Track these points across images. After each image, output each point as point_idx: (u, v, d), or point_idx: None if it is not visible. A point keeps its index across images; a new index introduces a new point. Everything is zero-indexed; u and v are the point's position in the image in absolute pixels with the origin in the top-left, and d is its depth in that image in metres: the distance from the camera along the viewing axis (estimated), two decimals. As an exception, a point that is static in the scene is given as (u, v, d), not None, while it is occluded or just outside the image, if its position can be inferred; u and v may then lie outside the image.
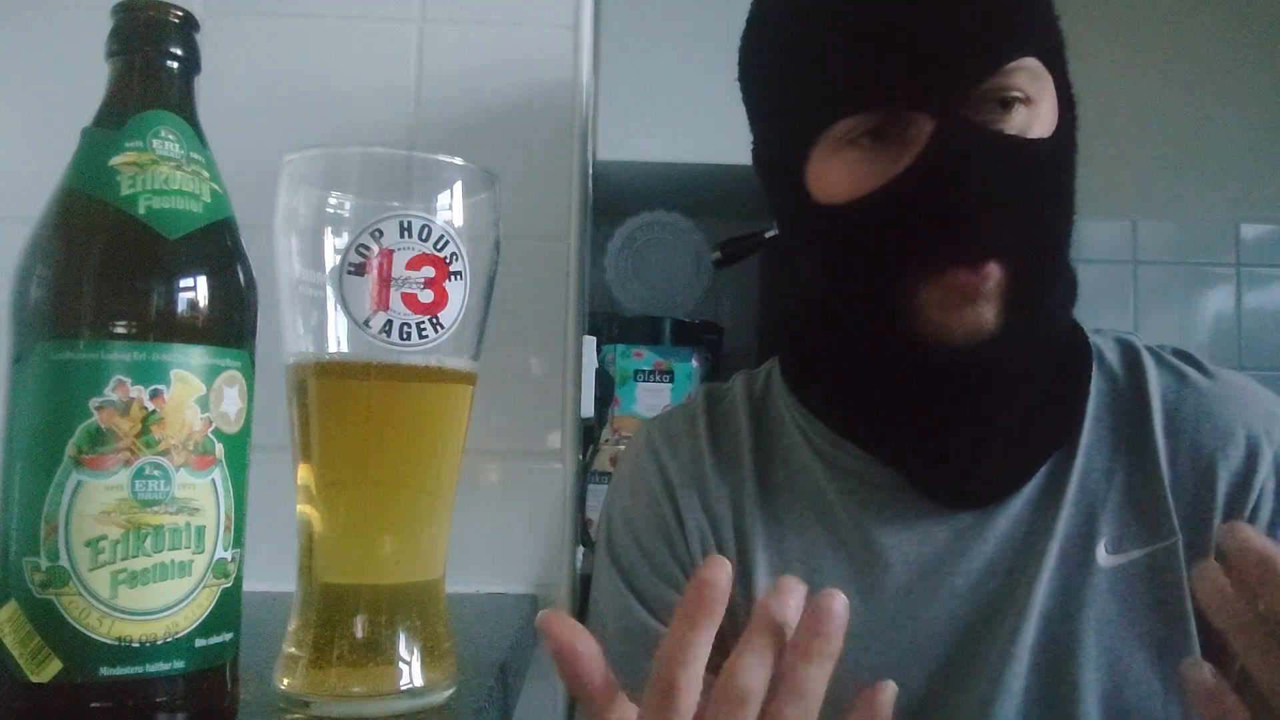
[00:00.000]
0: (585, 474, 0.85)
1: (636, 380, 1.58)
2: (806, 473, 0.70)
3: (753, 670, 0.44)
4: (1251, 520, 0.63)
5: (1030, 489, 0.66)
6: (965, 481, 0.65)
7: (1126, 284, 1.87)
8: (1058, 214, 0.61)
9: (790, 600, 0.45)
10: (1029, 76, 0.58)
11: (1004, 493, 0.65)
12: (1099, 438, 0.67)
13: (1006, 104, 0.58)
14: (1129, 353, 0.70)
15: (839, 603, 0.44)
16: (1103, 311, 1.85)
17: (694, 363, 1.59)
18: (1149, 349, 0.71)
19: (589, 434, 1.23)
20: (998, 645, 0.63)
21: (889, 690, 0.47)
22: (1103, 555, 0.64)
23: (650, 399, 1.57)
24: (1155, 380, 0.68)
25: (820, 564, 0.67)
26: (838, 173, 0.60)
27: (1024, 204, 0.58)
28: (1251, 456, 0.64)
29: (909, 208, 0.57)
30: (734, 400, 0.75)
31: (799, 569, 0.68)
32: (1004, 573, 0.64)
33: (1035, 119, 0.58)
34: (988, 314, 0.59)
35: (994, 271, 0.58)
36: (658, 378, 1.58)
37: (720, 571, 0.45)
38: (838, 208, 0.60)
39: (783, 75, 0.63)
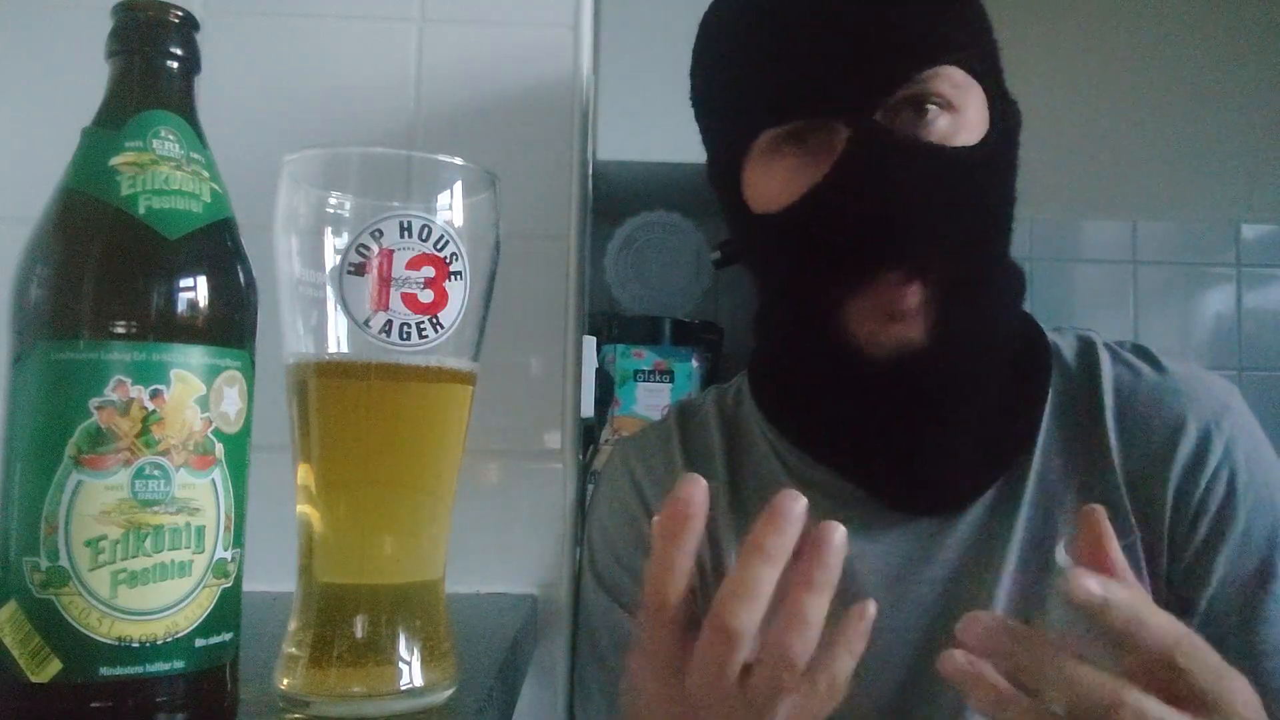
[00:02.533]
0: (585, 474, 0.85)
1: (636, 380, 1.58)
2: (776, 485, 0.70)
3: (741, 609, 0.44)
4: (1198, 512, 0.63)
5: (989, 493, 0.66)
6: (925, 489, 0.65)
7: (1126, 284, 1.87)
8: (987, 220, 0.61)
9: (789, 530, 0.45)
10: (949, 84, 0.58)
11: (967, 498, 0.65)
12: (1055, 438, 0.66)
13: (925, 110, 0.58)
14: (1086, 350, 0.70)
15: (839, 533, 0.45)
16: (1103, 311, 1.85)
17: (694, 363, 1.59)
18: (1107, 345, 0.70)
19: (589, 434, 1.23)
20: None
21: (869, 612, 0.47)
22: (1062, 556, 0.64)
23: (650, 399, 1.57)
24: (1109, 376, 0.67)
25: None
26: (768, 181, 0.62)
27: (946, 211, 0.58)
28: (1201, 448, 0.64)
29: (829, 216, 0.58)
30: (706, 415, 0.75)
31: None
32: (967, 578, 0.64)
33: (960, 126, 0.59)
34: (916, 326, 0.59)
35: (919, 283, 0.58)
36: (658, 378, 1.58)
37: (696, 487, 0.46)
38: (770, 217, 0.61)
39: (717, 90, 0.64)
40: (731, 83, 0.63)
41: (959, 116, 0.59)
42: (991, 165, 0.60)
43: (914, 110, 0.58)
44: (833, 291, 0.60)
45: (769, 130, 0.60)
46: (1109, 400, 0.66)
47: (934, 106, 0.58)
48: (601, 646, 0.70)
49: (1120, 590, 0.43)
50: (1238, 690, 0.44)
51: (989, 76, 0.61)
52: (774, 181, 0.61)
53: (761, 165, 0.62)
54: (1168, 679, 0.43)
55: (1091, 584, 0.43)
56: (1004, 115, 0.62)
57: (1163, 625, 0.43)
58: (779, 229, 0.61)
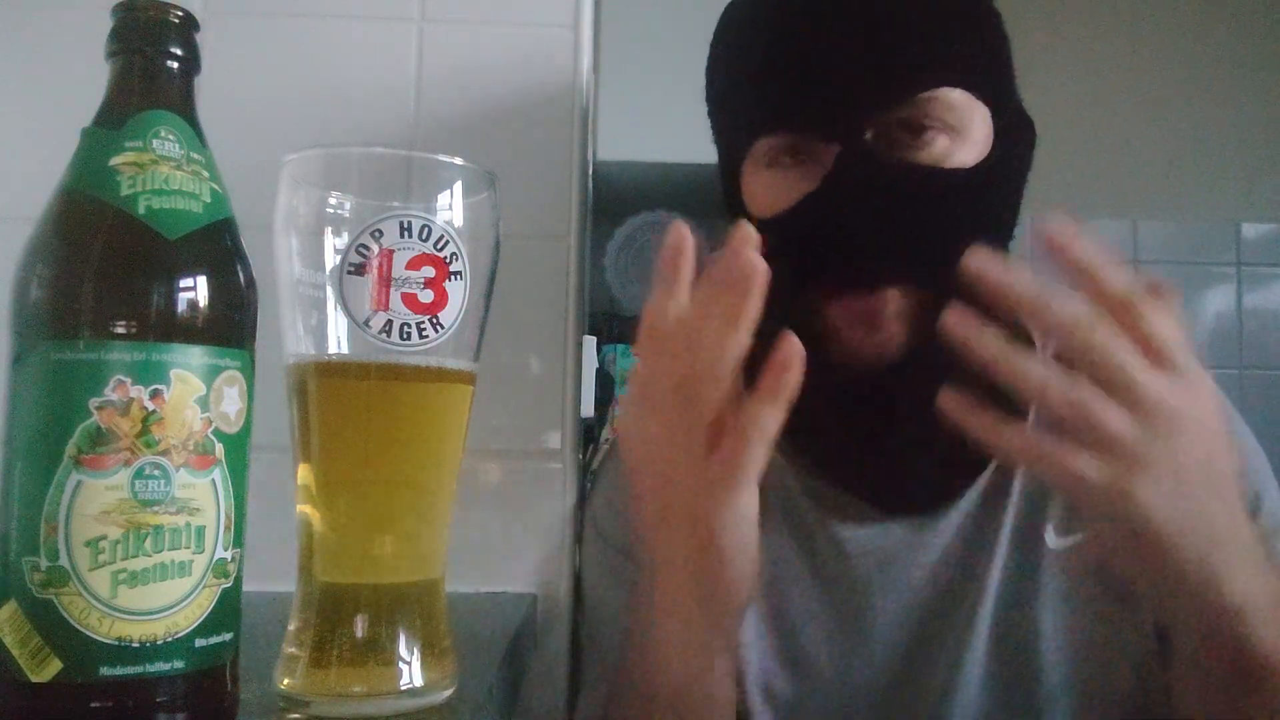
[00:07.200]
0: (585, 474, 0.85)
1: (636, 380, 1.57)
2: (774, 469, 0.70)
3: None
4: None
5: (981, 482, 0.67)
6: (904, 493, 0.66)
7: (1127, 284, 1.86)
8: (979, 238, 0.59)
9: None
10: (945, 107, 0.58)
11: (953, 495, 0.66)
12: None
13: (920, 133, 0.58)
14: None
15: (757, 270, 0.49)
16: (1103, 311, 1.85)
17: (694, 363, 1.59)
18: None
19: (589, 434, 1.23)
20: (954, 633, 0.64)
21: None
22: (1052, 538, 0.65)
23: (650, 399, 1.57)
24: None
25: (784, 555, 0.69)
26: (761, 188, 0.63)
27: (931, 232, 0.58)
28: None
29: (814, 231, 0.59)
30: None
31: (763, 559, 0.69)
32: (957, 563, 0.66)
33: (959, 148, 0.59)
34: (893, 338, 0.60)
35: (895, 297, 0.59)
36: (658, 378, 1.58)
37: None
38: (763, 222, 0.62)
39: (722, 92, 0.65)
40: (734, 87, 0.64)
41: (960, 137, 0.59)
42: (988, 185, 0.60)
43: (907, 131, 0.58)
44: (816, 303, 0.61)
45: (764, 138, 0.62)
46: None
47: (930, 129, 0.58)
48: (608, 608, 0.70)
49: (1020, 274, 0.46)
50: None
51: (996, 95, 0.61)
52: (768, 188, 0.62)
53: (758, 171, 0.63)
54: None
55: (985, 261, 0.46)
56: (1010, 132, 0.62)
57: (1068, 306, 0.46)
58: (770, 236, 0.62)
